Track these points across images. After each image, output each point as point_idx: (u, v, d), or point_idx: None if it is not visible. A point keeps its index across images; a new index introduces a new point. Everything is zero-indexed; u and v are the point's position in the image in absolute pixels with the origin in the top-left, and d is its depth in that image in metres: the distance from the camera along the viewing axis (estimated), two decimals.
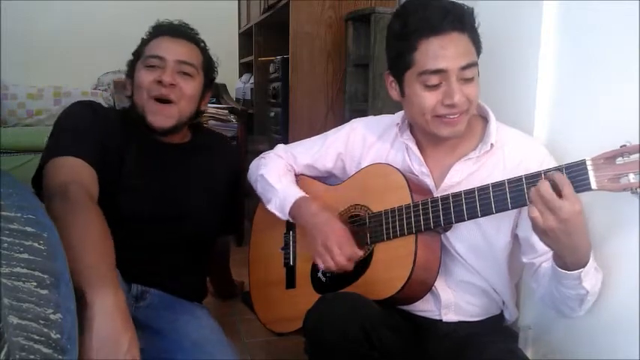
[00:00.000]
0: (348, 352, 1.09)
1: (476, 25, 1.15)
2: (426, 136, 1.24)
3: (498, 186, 1.06)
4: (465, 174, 1.20)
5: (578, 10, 1.28)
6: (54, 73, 4.01)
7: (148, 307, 1.34)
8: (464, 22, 1.12)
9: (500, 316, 1.29)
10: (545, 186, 0.95)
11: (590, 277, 1.05)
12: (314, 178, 1.45)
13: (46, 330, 0.68)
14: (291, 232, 1.42)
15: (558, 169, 0.99)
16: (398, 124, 1.29)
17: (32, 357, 0.66)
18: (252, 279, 1.53)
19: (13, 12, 3.90)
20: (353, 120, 1.44)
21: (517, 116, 1.36)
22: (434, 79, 1.12)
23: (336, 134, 1.42)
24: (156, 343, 1.24)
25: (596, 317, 1.16)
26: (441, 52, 1.10)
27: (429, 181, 1.23)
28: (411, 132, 1.28)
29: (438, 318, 1.24)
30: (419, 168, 1.25)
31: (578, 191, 0.97)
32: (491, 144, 1.19)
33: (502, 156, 1.20)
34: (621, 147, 0.96)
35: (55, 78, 3.98)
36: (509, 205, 1.05)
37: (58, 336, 0.69)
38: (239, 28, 3.70)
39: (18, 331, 0.66)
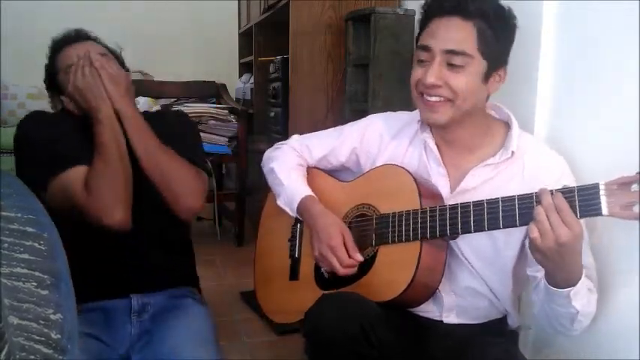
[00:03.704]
0: (348, 352, 1.09)
1: (504, 21, 1.13)
2: (440, 135, 1.23)
3: (508, 201, 1.04)
4: (482, 180, 1.18)
5: (578, 10, 1.28)
6: None
7: (149, 319, 1.33)
8: (467, 9, 1.11)
9: (501, 320, 1.27)
10: (550, 208, 0.94)
11: (580, 297, 1.03)
12: (326, 172, 1.44)
13: (46, 330, 0.68)
14: (298, 225, 1.42)
15: (570, 190, 0.97)
16: (419, 120, 1.26)
17: (32, 357, 0.66)
18: (257, 267, 1.53)
19: (13, 12, 3.90)
20: (370, 115, 1.44)
21: (517, 116, 1.36)
22: (421, 55, 1.15)
23: (352, 128, 1.41)
24: (147, 353, 1.25)
25: (597, 317, 1.15)
26: (433, 30, 1.14)
27: (445, 182, 1.21)
28: (431, 130, 1.26)
29: (439, 319, 1.23)
30: (436, 167, 1.23)
31: (587, 215, 0.95)
32: (512, 151, 1.17)
33: (521, 165, 1.17)
34: (637, 174, 0.92)
35: None
36: (517, 222, 1.02)
37: (59, 336, 0.69)
38: (239, 28, 3.69)
39: (18, 332, 0.66)
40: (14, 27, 3.91)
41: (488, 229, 1.06)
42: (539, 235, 0.95)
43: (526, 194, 1.02)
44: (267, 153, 1.51)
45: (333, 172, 1.45)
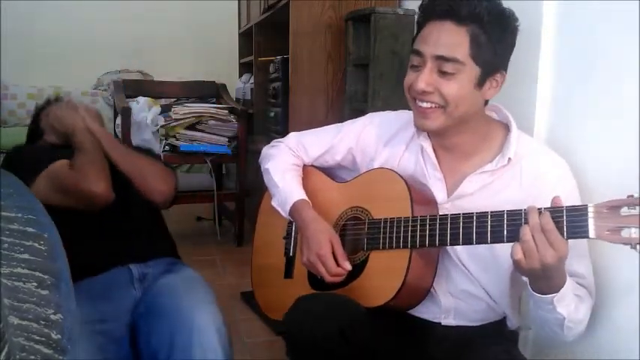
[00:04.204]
0: (326, 352, 1.08)
1: (501, 26, 1.10)
2: (437, 141, 1.21)
3: (497, 216, 1.01)
4: (479, 185, 1.16)
5: (578, 10, 1.29)
6: (54, 73, 4.02)
7: (149, 286, 1.43)
8: (460, 14, 1.08)
9: (500, 322, 1.26)
10: (536, 227, 0.93)
11: (566, 303, 1.02)
12: (322, 171, 1.44)
13: (46, 330, 0.68)
14: (294, 223, 1.42)
15: (559, 210, 0.94)
16: None
17: (32, 357, 0.66)
18: (254, 262, 1.53)
19: (13, 12, 3.90)
20: (370, 114, 1.42)
21: (517, 116, 1.36)
22: (414, 60, 1.14)
23: (350, 127, 1.40)
24: (147, 303, 1.37)
25: (597, 317, 1.16)
26: (426, 36, 1.11)
27: (442, 187, 1.20)
28: (429, 135, 1.24)
29: (437, 321, 1.22)
30: (432, 172, 1.22)
31: (574, 237, 0.93)
32: (509, 158, 1.14)
33: (519, 170, 1.15)
34: (628, 197, 0.89)
35: (55, 78, 3.99)
36: (505, 238, 1.00)
37: (59, 336, 0.69)
38: (239, 28, 3.69)
39: (18, 332, 0.66)
40: (14, 27, 3.92)
41: (477, 243, 1.05)
42: (524, 257, 0.94)
43: (515, 210, 1.00)
44: (265, 150, 1.51)
45: (330, 170, 1.44)
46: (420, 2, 1.18)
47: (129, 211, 1.53)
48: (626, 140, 1.15)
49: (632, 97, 1.13)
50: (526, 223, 0.95)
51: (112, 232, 1.48)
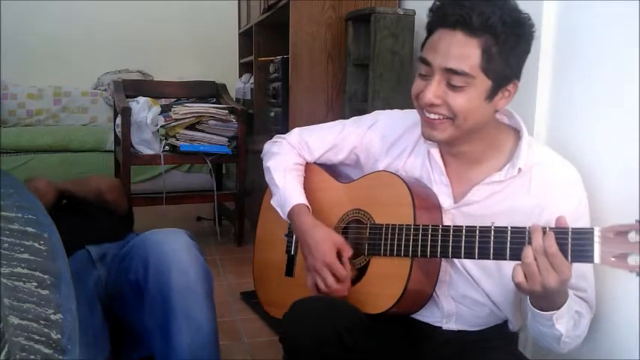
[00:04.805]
0: (322, 356, 1.07)
1: (516, 35, 1.03)
2: (445, 147, 1.19)
3: (500, 231, 0.99)
4: (487, 194, 1.14)
5: (578, 10, 1.29)
6: (54, 73, 4.02)
7: (110, 264, 1.47)
8: (472, 25, 1.01)
9: (502, 325, 1.25)
10: (539, 250, 0.91)
11: (565, 321, 1.01)
12: (325, 169, 1.42)
13: (46, 330, 0.68)
14: None
15: (564, 231, 0.91)
16: None
17: (33, 357, 0.66)
18: (255, 257, 1.53)
19: (13, 12, 3.91)
20: (376, 112, 1.39)
21: None
22: (422, 69, 1.09)
23: (354, 125, 1.37)
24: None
25: (597, 317, 1.16)
26: (435, 44, 1.07)
27: (448, 192, 1.18)
28: None
29: (438, 326, 1.21)
30: (439, 177, 1.19)
31: (578, 261, 0.91)
32: (519, 168, 1.10)
33: (529, 179, 1.12)
34: (636, 222, 0.85)
35: (55, 78, 3.99)
36: (507, 256, 0.98)
37: (59, 336, 0.69)
38: (239, 28, 3.69)
39: (19, 332, 0.66)
40: (14, 27, 3.92)
41: (479, 258, 1.03)
42: (525, 280, 0.92)
43: (519, 227, 0.97)
44: (267, 146, 1.49)
45: (334, 168, 1.43)
46: (420, 2, 1.17)
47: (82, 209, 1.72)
48: (626, 140, 1.15)
49: (632, 97, 1.13)
50: (529, 243, 0.92)
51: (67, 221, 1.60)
